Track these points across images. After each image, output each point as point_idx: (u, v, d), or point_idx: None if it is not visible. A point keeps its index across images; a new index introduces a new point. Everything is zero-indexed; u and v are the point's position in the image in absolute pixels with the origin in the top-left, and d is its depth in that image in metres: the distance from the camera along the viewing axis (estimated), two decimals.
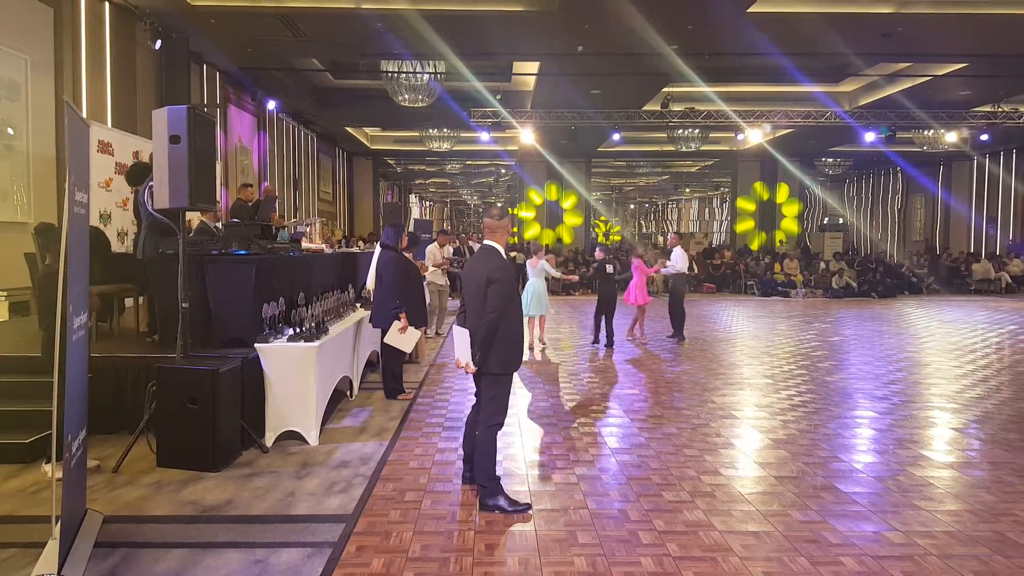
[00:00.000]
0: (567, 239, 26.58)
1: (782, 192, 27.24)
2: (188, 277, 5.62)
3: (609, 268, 11.08)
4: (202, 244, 6.55)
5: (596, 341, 11.23)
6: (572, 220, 26.85)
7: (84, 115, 9.62)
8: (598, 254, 11.31)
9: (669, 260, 12.13)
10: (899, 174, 30.98)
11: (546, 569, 3.69)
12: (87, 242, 4.20)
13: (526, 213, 27.11)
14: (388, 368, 7.59)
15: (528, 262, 10.77)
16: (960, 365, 9.78)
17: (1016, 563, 3.78)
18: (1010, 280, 22.82)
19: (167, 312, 6.23)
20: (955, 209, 27.60)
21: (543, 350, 10.73)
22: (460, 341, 4.48)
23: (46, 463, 5.05)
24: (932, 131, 19.85)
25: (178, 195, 5.28)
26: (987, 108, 18.21)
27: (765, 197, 27.19)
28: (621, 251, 27.83)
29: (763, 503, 4.61)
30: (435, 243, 12.17)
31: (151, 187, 5.94)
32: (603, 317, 11.06)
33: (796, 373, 9.10)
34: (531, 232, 26.60)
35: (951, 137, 19.65)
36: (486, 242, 4.62)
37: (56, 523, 3.59)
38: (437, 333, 12.08)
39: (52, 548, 3.52)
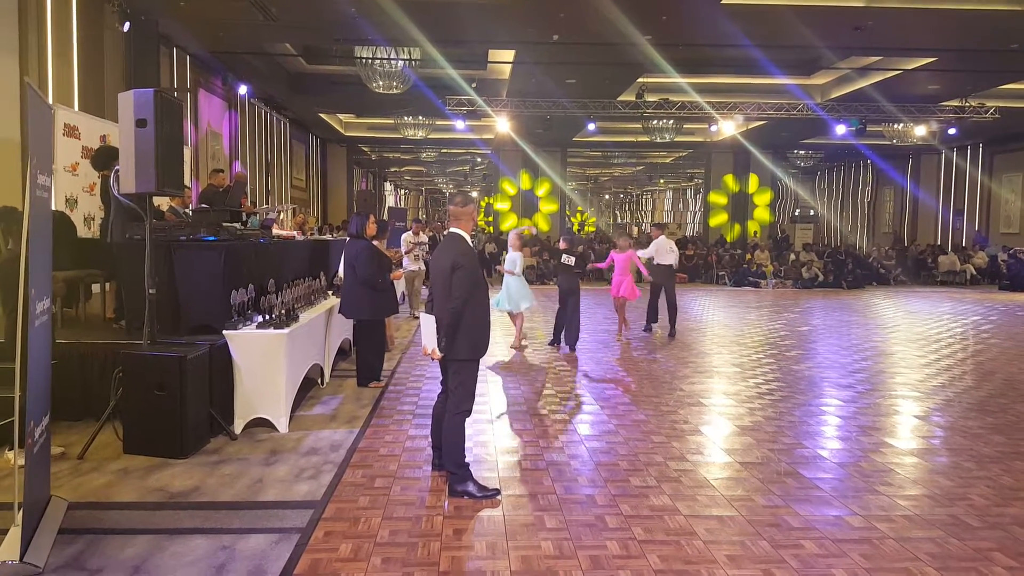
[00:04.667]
0: (543, 227, 26.60)
1: (753, 182, 27.50)
2: (156, 263, 5.56)
3: (568, 259, 10.08)
4: (170, 229, 6.46)
5: (556, 341, 10.16)
6: (547, 207, 26.87)
7: (50, 98, 9.44)
8: (562, 244, 10.40)
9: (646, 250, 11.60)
10: (869, 167, 31.43)
11: (513, 553, 3.73)
12: (50, 226, 4.14)
13: (502, 204, 27.08)
14: (362, 356, 7.57)
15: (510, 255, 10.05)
16: (924, 355, 9.98)
17: (969, 545, 3.90)
18: (975, 272, 23.29)
19: (134, 298, 6.15)
20: (923, 202, 28.09)
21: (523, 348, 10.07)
22: (427, 328, 4.48)
23: (9, 450, 4.98)
24: (901, 124, 20.14)
25: (145, 180, 5.21)
26: (955, 103, 18.52)
27: (736, 190, 27.42)
28: (595, 240, 27.99)
29: (728, 488, 4.69)
30: (411, 231, 12.83)
31: (118, 171, 5.86)
32: (563, 314, 10.08)
33: (764, 362, 9.23)
34: (508, 223, 26.58)
35: (920, 131, 19.96)
36: (451, 229, 4.63)
37: (19, 510, 3.55)
38: (414, 316, 12.20)
39: (14, 535, 3.49)
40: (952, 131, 19.90)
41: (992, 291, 21.16)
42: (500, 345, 10.11)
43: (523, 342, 10.07)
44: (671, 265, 11.50)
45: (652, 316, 11.75)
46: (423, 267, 12.25)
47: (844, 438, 5.93)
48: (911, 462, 5.32)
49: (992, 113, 18.24)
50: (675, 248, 11.77)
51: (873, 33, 12.82)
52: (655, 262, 11.46)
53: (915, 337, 11.67)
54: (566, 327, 10.08)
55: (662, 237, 11.65)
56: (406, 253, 12.14)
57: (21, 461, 3.59)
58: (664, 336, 11.32)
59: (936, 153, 26.52)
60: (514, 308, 9.75)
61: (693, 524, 4.11)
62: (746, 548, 3.81)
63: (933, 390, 7.74)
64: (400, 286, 12.12)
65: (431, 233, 18.85)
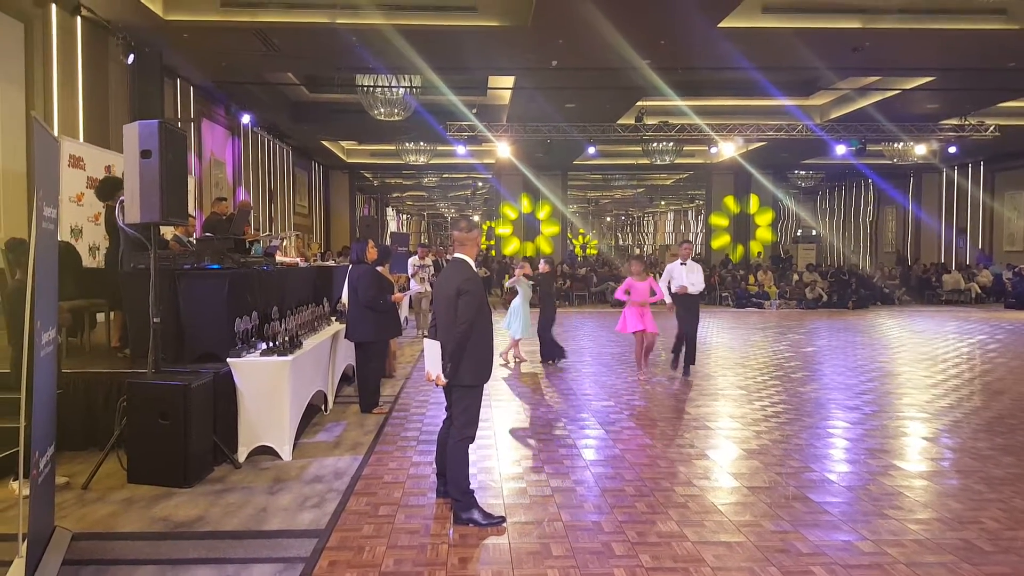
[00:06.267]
0: (546, 249, 26.66)
1: (754, 204, 27.58)
2: (160, 291, 5.58)
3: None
4: (174, 258, 6.50)
5: (563, 357, 10.75)
6: (549, 230, 26.95)
7: (56, 130, 9.54)
8: (543, 267, 10.93)
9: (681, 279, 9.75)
10: (870, 186, 31.50)
11: None
12: (56, 257, 4.16)
13: (503, 229, 27.17)
14: (364, 381, 7.55)
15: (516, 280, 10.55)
16: (931, 375, 9.93)
17: (982, 570, 3.85)
18: (979, 291, 23.24)
19: (139, 327, 6.17)
20: (925, 221, 28.10)
21: (520, 363, 10.69)
22: (431, 354, 4.48)
23: (13, 480, 4.96)
24: (901, 144, 20.22)
25: (150, 209, 5.25)
26: (954, 121, 18.60)
27: (736, 211, 27.50)
28: (599, 264, 28.00)
29: (735, 513, 4.64)
30: (417, 255, 13.86)
31: (123, 201, 5.90)
32: (547, 332, 10.69)
33: (770, 384, 9.19)
34: (511, 247, 26.62)
35: (920, 150, 19.99)
36: (456, 255, 4.64)
37: (23, 541, 3.53)
38: (424, 335, 12.25)
39: (18, 566, 3.46)
40: (952, 149, 19.96)
41: (998, 309, 21.11)
42: (503, 370, 10.14)
43: (515, 361, 10.68)
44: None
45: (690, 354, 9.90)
46: (429, 288, 12.69)
47: (852, 461, 5.88)
48: (921, 485, 5.27)
49: (992, 131, 18.31)
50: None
51: (871, 54, 12.93)
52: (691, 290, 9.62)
53: (921, 357, 11.62)
54: (545, 343, 10.68)
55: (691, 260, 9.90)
56: (412, 276, 13.07)
57: (26, 492, 3.57)
58: (667, 358, 10.93)
59: (937, 172, 26.59)
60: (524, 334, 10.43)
61: (701, 551, 4.06)
62: (755, 575, 3.77)
63: (941, 411, 7.69)
64: (403, 311, 12.34)
65: (434, 257, 19.04)
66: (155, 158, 5.21)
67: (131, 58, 11.50)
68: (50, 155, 4.14)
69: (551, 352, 10.77)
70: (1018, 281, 21.84)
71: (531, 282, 10.70)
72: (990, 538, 4.26)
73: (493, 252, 29.77)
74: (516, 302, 10.48)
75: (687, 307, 9.67)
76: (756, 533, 4.31)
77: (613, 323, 11.20)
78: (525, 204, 26.59)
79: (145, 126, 5.27)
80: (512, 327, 10.35)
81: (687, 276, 9.64)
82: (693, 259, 9.96)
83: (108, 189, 7.24)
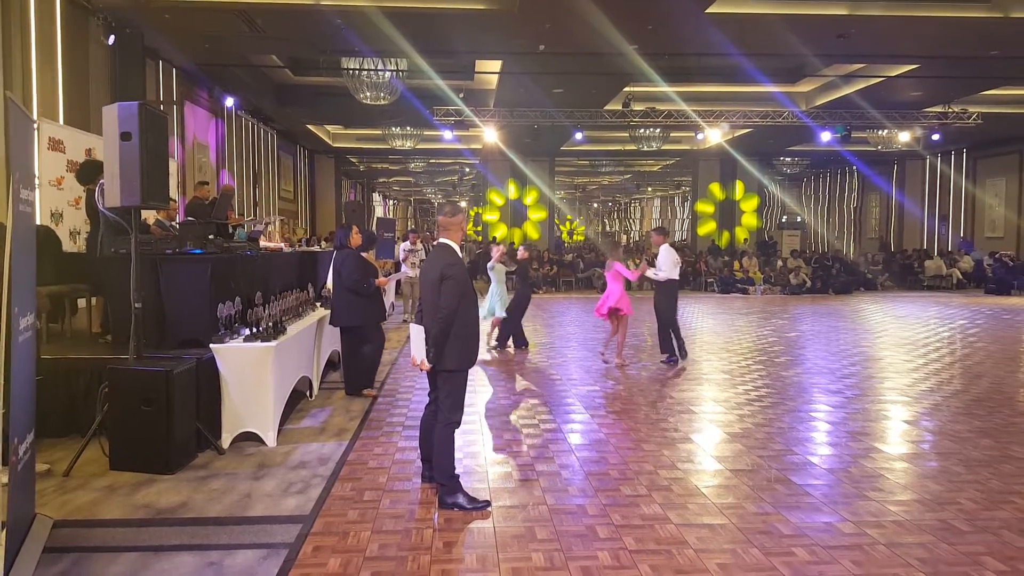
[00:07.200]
0: (533, 235, 26.62)
1: (740, 190, 27.66)
2: (142, 276, 5.52)
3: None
4: (156, 243, 6.43)
5: (525, 343, 10.79)
6: (536, 215, 26.91)
7: (35, 112, 9.39)
8: (521, 253, 10.98)
9: (656, 265, 9.71)
10: (855, 173, 31.68)
11: (504, 565, 3.71)
12: (33, 241, 4.10)
13: (491, 216, 27.10)
14: (349, 366, 7.51)
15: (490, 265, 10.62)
16: (912, 359, 10.03)
17: (959, 549, 3.90)
18: (961, 276, 23.48)
19: (120, 312, 6.11)
20: (908, 208, 28.31)
21: (498, 349, 10.65)
22: (416, 339, 4.47)
23: None
24: (886, 131, 20.31)
25: (130, 193, 5.18)
26: (938, 109, 18.70)
27: (722, 197, 27.57)
28: (585, 250, 28.05)
29: (718, 496, 4.68)
30: (408, 241, 14.18)
31: (103, 185, 5.83)
32: (517, 320, 10.64)
33: (753, 368, 9.25)
34: (498, 232, 26.59)
35: (904, 137, 20.10)
36: (441, 240, 4.62)
37: (2, 529, 3.50)
38: (408, 321, 12.39)
39: None
40: (936, 137, 20.09)
41: (978, 295, 21.33)
42: (489, 355, 10.15)
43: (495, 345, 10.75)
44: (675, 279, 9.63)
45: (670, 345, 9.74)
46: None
47: (834, 444, 5.94)
48: (901, 467, 5.33)
49: (975, 119, 18.42)
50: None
51: (856, 40, 12.95)
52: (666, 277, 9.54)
53: (903, 342, 11.73)
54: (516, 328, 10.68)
55: (666, 245, 9.80)
56: (403, 261, 13.44)
57: (5, 479, 3.54)
58: (652, 342, 11.04)
59: (920, 159, 26.77)
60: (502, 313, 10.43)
61: (684, 533, 4.10)
62: (737, 556, 3.81)
63: (921, 394, 7.78)
64: (390, 296, 12.38)
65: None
66: (135, 140, 5.14)
67: (112, 39, 11.35)
68: (25, 135, 4.08)
69: (519, 339, 10.75)
70: (998, 267, 22.09)
71: (506, 267, 10.66)
72: (967, 518, 4.33)
73: (480, 238, 29.71)
74: (492, 285, 10.44)
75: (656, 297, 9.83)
76: (738, 515, 4.35)
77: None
78: (512, 190, 26.51)
79: (125, 107, 5.19)
80: (496, 310, 10.30)
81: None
82: (668, 244, 9.92)
83: (89, 172, 7.15)
